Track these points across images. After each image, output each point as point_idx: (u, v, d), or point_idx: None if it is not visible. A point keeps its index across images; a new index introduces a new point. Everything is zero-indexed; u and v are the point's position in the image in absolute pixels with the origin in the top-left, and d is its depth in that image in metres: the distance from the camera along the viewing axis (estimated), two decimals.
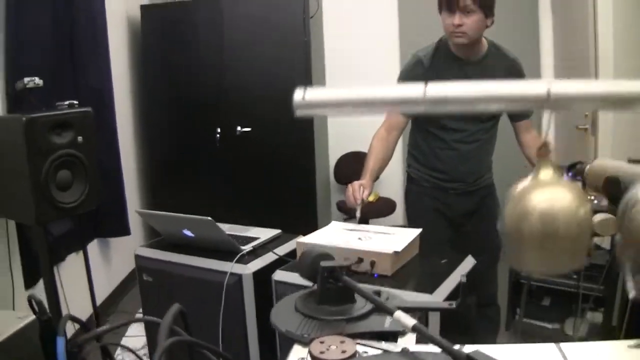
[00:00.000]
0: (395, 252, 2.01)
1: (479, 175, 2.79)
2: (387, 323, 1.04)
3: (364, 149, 2.73)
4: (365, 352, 1.01)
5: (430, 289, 1.87)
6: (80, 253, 3.41)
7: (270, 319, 1.14)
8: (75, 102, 2.78)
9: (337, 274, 1.14)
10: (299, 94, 0.77)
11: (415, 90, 0.73)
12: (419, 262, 2.20)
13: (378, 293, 1.22)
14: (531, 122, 2.78)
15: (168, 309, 1.20)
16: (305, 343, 1.03)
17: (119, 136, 4.17)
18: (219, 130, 4.77)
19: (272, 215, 4.55)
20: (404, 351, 0.98)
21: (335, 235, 2.24)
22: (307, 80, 4.69)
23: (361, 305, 1.14)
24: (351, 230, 2.31)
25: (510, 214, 0.82)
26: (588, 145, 4.16)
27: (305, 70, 4.68)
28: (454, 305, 1.16)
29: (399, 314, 0.96)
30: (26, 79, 2.64)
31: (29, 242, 2.93)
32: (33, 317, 1.04)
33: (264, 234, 2.60)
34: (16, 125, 2.45)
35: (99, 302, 3.79)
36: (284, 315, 1.13)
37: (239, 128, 4.76)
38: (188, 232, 2.46)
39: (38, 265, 2.85)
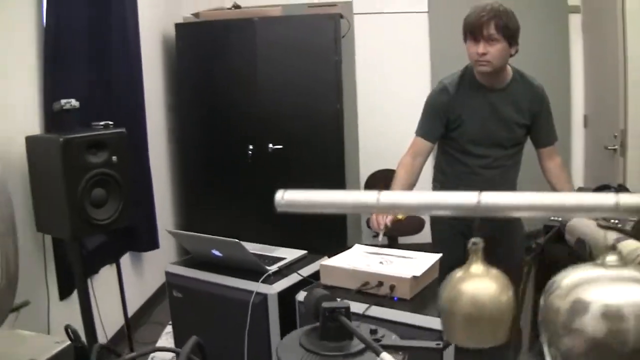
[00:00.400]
0: (414, 277, 2.06)
1: None
2: None
3: (394, 167, 2.80)
4: None
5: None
6: (114, 266, 3.50)
7: (276, 352, 1.21)
8: (111, 122, 2.88)
9: (336, 314, 1.21)
10: (279, 195, 0.90)
11: (370, 197, 0.83)
12: (438, 285, 2.24)
13: (375, 331, 1.29)
14: (555, 148, 2.80)
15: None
16: None
17: (153, 152, 4.28)
18: (251, 147, 4.85)
19: (302, 232, 4.62)
20: None
21: (357, 259, 2.30)
22: (338, 98, 4.77)
23: (357, 342, 1.21)
24: (373, 253, 2.37)
25: (446, 296, 0.98)
26: (617, 166, 4.15)
27: (337, 88, 4.76)
28: (441, 345, 1.22)
29: (384, 355, 1.03)
30: (63, 101, 2.74)
31: (64, 255, 3.03)
32: (69, 342, 1.13)
33: (290, 254, 2.67)
34: (53, 145, 2.56)
35: (130, 313, 3.89)
36: (288, 349, 1.20)
37: (270, 145, 4.83)
38: (216, 252, 2.54)
39: (73, 277, 2.96)
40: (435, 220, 2.97)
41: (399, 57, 5.36)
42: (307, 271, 2.48)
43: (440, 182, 2.89)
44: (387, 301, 2.06)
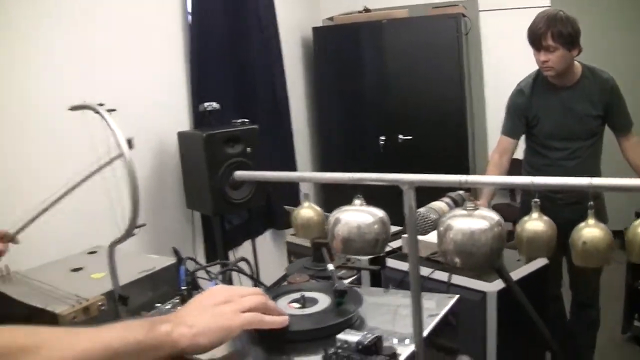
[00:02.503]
0: None
1: None
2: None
3: (521, 156, 3.25)
4: None
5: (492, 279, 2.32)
6: (256, 240, 4.11)
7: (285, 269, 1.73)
8: (246, 120, 3.49)
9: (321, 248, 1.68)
10: (238, 172, 1.34)
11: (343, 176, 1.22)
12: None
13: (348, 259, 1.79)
14: (632, 132, 2.99)
15: None
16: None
17: (296, 144, 4.91)
18: (382, 138, 5.28)
19: None
20: None
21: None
22: (460, 92, 5.09)
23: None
24: None
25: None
26: None
27: (460, 83, 5.08)
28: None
29: (329, 265, 1.50)
30: (206, 104, 3.38)
31: (211, 228, 3.69)
32: (175, 260, 1.75)
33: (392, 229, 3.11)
34: (198, 139, 3.21)
35: (268, 283, 4.51)
36: (295, 266, 1.73)
37: (400, 136, 5.24)
38: None
39: (216, 247, 3.61)
40: (523, 208, 3.27)
41: (523, 51, 5.53)
42: (398, 243, 2.92)
43: (529, 173, 3.19)
44: (452, 268, 2.46)
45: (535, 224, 1.07)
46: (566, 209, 2.89)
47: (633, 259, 1.00)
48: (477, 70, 5.65)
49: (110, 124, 1.36)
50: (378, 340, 0.98)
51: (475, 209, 1.04)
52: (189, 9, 3.75)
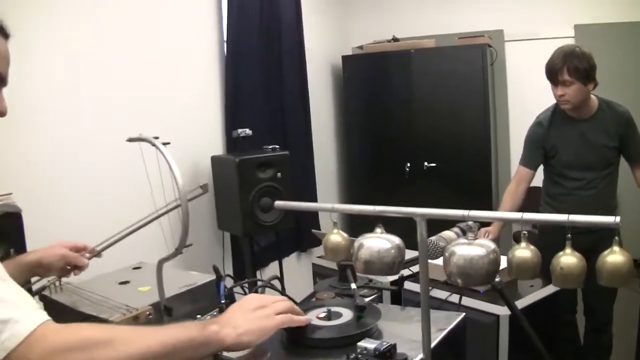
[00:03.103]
0: None
1: None
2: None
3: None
4: None
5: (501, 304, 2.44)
6: (282, 261, 4.27)
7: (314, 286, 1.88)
8: (277, 146, 3.67)
9: (345, 269, 1.86)
10: (278, 202, 1.52)
11: (368, 208, 1.41)
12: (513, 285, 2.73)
13: (371, 280, 2.01)
14: None
15: None
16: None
17: (323, 166, 5.13)
18: (408, 164, 5.44)
19: None
20: None
21: None
22: (485, 122, 5.22)
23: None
24: None
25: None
26: None
27: (484, 113, 5.21)
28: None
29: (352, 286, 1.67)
30: (239, 130, 3.58)
31: (240, 249, 3.87)
32: (214, 277, 1.91)
33: (410, 254, 3.26)
34: (231, 163, 3.40)
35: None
36: (323, 284, 1.88)
37: (425, 163, 5.39)
38: None
39: (245, 267, 3.78)
40: (540, 234, 3.39)
41: (547, 82, 5.63)
42: (416, 268, 3.06)
43: (547, 202, 3.33)
44: (472, 293, 2.58)
45: (523, 252, 1.26)
46: (580, 237, 3.03)
47: (602, 283, 1.16)
48: (502, 99, 5.77)
49: (167, 157, 1.55)
50: (392, 347, 1.16)
51: (475, 238, 1.21)
52: (225, 38, 3.97)
